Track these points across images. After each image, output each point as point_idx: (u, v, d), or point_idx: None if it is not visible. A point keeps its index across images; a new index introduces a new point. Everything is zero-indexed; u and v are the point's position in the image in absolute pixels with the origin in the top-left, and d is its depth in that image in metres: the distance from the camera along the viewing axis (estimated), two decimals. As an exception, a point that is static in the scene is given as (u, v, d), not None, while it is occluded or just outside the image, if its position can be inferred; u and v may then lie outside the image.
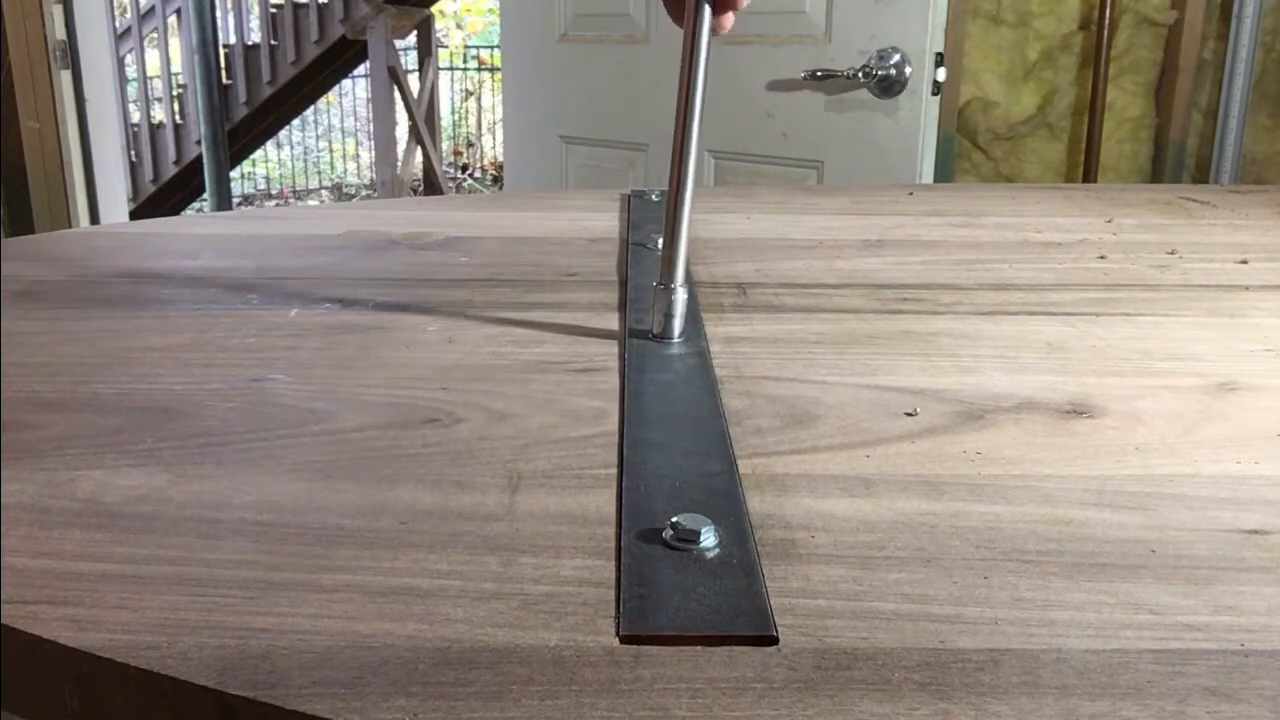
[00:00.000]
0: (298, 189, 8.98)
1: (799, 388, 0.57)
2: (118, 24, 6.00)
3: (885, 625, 0.34)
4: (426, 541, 0.39)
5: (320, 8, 5.84)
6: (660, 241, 0.89)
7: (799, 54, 1.89)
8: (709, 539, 0.39)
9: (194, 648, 0.32)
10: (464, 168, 9.40)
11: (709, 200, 1.20)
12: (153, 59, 6.74)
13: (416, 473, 0.45)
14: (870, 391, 0.57)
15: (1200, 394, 0.57)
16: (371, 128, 6.95)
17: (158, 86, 6.86)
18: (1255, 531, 0.41)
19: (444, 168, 7.11)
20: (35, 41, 2.65)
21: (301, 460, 0.47)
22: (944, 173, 2.00)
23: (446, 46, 9.57)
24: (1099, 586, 0.37)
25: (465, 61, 9.64)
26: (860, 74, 1.80)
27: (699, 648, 0.33)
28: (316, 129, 9.25)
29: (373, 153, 7.21)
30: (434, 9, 6.28)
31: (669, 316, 0.63)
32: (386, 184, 5.84)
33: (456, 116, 9.57)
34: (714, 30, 0.64)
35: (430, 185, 6.44)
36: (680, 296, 0.63)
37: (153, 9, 5.99)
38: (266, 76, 6.00)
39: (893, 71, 1.78)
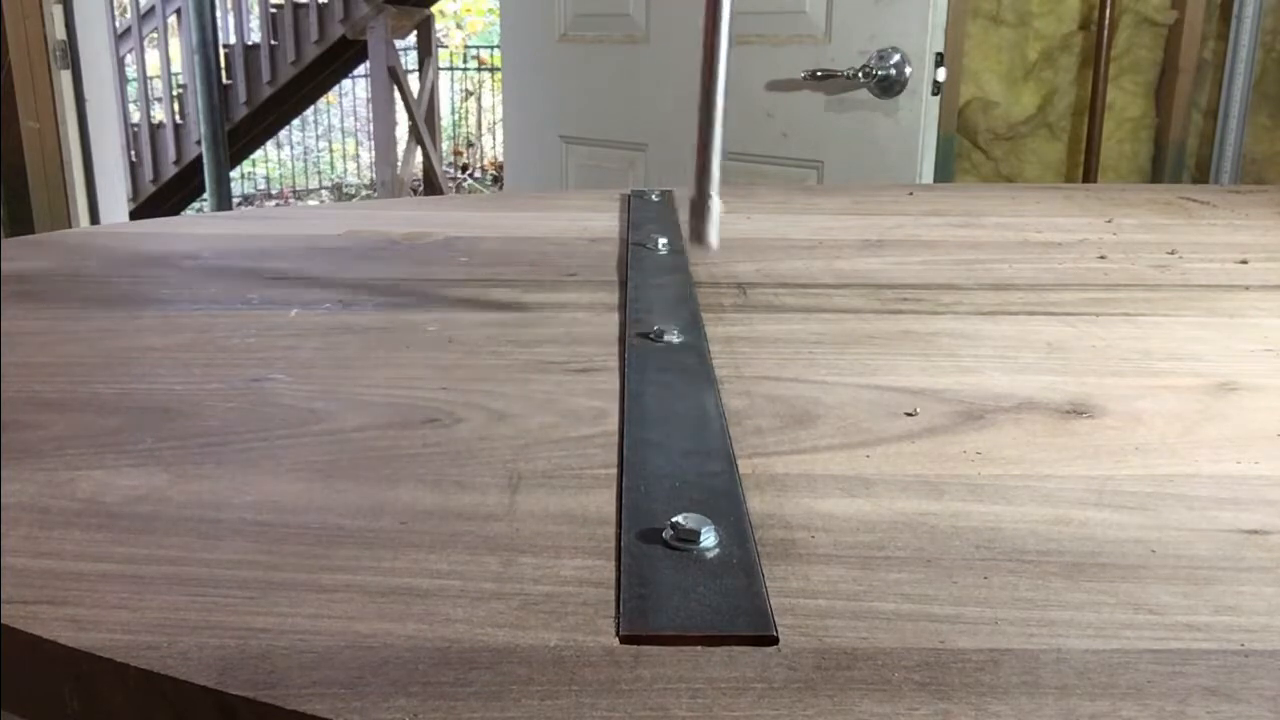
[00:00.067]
0: (298, 189, 8.98)
1: (799, 388, 0.57)
2: (118, 24, 6.00)
3: (885, 625, 0.34)
4: (426, 541, 0.39)
5: (320, 8, 5.84)
6: (660, 241, 0.90)
7: (799, 54, 1.89)
8: (709, 539, 0.39)
9: (194, 648, 0.32)
10: (464, 168, 9.40)
11: (709, 200, 1.20)
12: (153, 59, 6.74)
13: (416, 473, 0.45)
14: (870, 391, 0.57)
15: (1200, 394, 0.57)
16: (371, 128, 6.95)
17: (158, 86, 6.87)
18: (1255, 531, 0.41)
19: (444, 168, 7.11)
20: (35, 41, 2.65)
21: (301, 460, 0.47)
22: (944, 173, 2.00)
23: (446, 46, 9.58)
24: (1099, 586, 0.37)
25: (465, 61, 9.64)
26: (860, 74, 1.80)
27: (699, 648, 0.33)
28: (316, 129, 9.25)
29: (373, 153, 7.21)
30: (434, 9, 6.28)
31: (706, 224, 0.65)
32: (386, 184, 5.84)
33: (456, 116, 9.57)
34: None
35: (430, 185, 6.44)
36: (716, 204, 0.65)
37: (153, 9, 5.99)
38: (266, 76, 6.00)
39: (893, 71, 1.78)
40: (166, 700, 0.31)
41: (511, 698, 0.30)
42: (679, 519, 0.39)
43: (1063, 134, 2.14)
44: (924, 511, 0.43)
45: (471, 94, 9.64)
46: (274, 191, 8.88)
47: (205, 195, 5.03)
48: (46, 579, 0.36)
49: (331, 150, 9.40)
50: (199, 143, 4.91)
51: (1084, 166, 2.09)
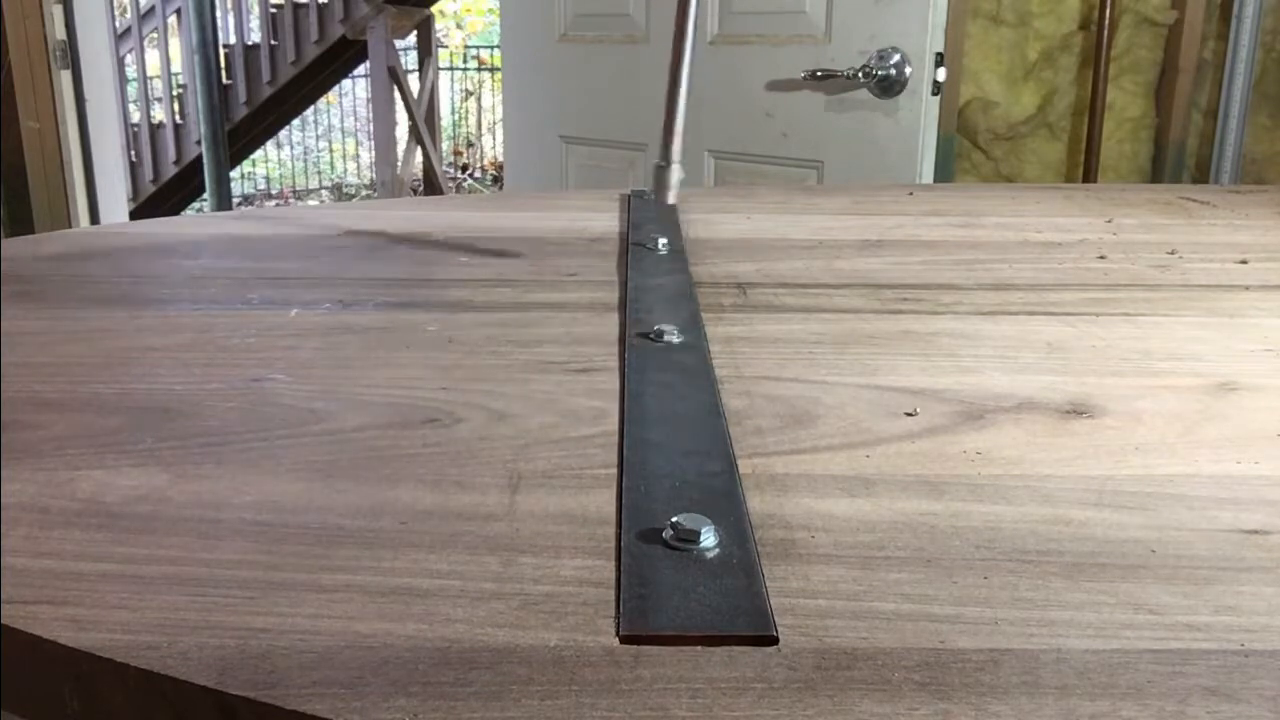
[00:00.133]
0: (298, 189, 8.98)
1: (799, 388, 0.57)
2: (118, 24, 6.00)
3: (885, 625, 0.34)
4: (426, 541, 0.39)
5: (320, 8, 5.84)
6: (660, 241, 0.90)
7: (799, 54, 1.89)
8: (709, 539, 0.39)
9: (194, 648, 0.32)
10: (464, 168, 9.40)
11: (709, 200, 1.20)
12: (153, 59, 6.74)
13: (416, 473, 0.45)
14: (870, 391, 0.57)
15: (1200, 394, 0.57)
16: (371, 128, 6.95)
17: (158, 86, 6.87)
18: (1255, 531, 0.41)
19: (444, 168, 7.11)
20: (35, 41, 2.65)
21: (301, 460, 0.47)
22: (944, 173, 2.00)
23: (446, 46, 9.57)
24: (1099, 586, 0.37)
25: (465, 61, 9.64)
26: (860, 74, 1.80)
27: (699, 648, 0.33)
28: (316, 129, 9.25)
29: (373, 153, 7.21)
30: (434, 9, 6.28)
31: (665, 187, 0.81)
32: (386, 184, 5.84)
33: (456, 116, 9.57)
34: None
35: (430, 185, 6.44)
36: (675, 171, 0.81)
37: (153, 9, 5.99)
38: (266, 76, 5.99)
39: (893, 71, 1.78)
40: (166, 700, 0.31)
41: (511, 698, 0.30)
42: (679, 519, 0.39)
43: (1063, 134, 2.14)
44: (924, 511, 0.43)
45: (471, 94, 9.64)
46: (274, 191, 8.88)
47: (205, 195, 5.03)
48: (46, 579, 0.36)
49: (331, 150, 9.40)
50: (199, 143, 4.91)
51: (1084, 166, 2.09)
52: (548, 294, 0.76)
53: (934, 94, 1.78)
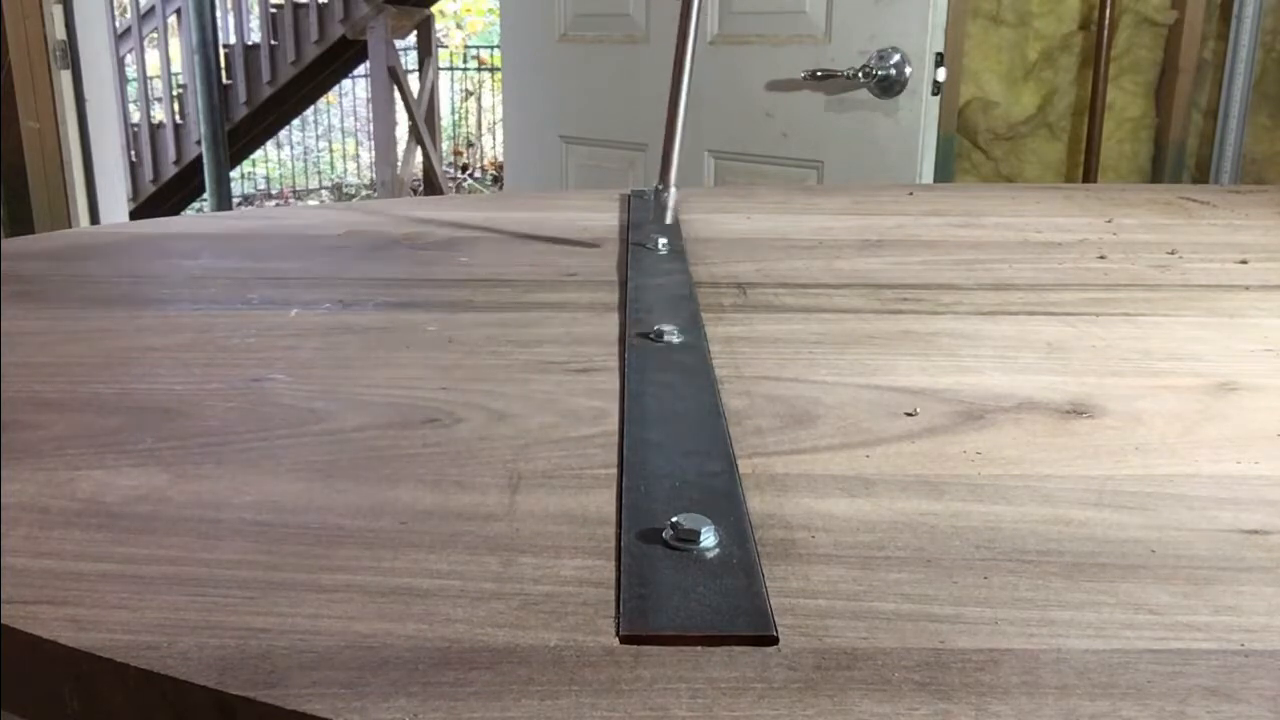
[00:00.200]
0: (298, 189, 8.98)
1: (799, 388, 0.57)
2: (118, 24, 6.00)
3: (885, 625, 0.34)
4: (426, 541, 0.39)
5: (320, 8, 5.84)
6: (660, 241, 0.90)
7: (799, 54, 1.89)
8: (709, 539, 0.39)
9: (194, 648, 0.32)
10: (464, 168, 9.40)
11: (709, 200, 1.20)
12: (153, 59, 6.74)
13: (416, 473, 0.45)
14: (870, 391, 0.57)
15: (1200, 394, 0.57)
16: (371, 128, 6.95)
17: (158, 86, 6.87)
18: (1255, 531, 0.41)
19: (444, 168, 7.11)
20: (35, 41, 2.65)
21: (301, 460, 0.47)
22: (944, 173, 2.00)
23: (446, 46, 9.58)
24: (1099, 586, 0.37)
25: (465, 61, 9.64)
26: (860, 74, 1.80)
27: (699, 648, 0.33)
28: (316, 129, 9.25)
29: (373, 153, 7.21)
30: (434, 9, 6.28)
31: (663, 209, 0.89)
32: (386, 184, 5.84)
33: (456, 116, 9.57)
34: None
35: (430, 185, 6.44)
36: (672, 194, 0.89)
37: (153, 9, 5.99)
38: (266, 76, 6.00)
39: (893, 71, 1.78)
40: (166, 700, 0.31)
41: (511, 698, 0.30)
42: (679, 519, 0.39)
43: (1063, 134, 2.14)
44: (924, 511, 0.43)
45: (471, 94, 9.64)
46: (274, 191, 8.88)
47: (205, 195, 5.03)
48: (46, 579, 0.36)
49: (331, 150, 9.40)
50: (199, 143, 4.92)
51: (1084, 166, 2.09)
52: (548, 294, 0.76)
53: (934, 94, 1.78)
